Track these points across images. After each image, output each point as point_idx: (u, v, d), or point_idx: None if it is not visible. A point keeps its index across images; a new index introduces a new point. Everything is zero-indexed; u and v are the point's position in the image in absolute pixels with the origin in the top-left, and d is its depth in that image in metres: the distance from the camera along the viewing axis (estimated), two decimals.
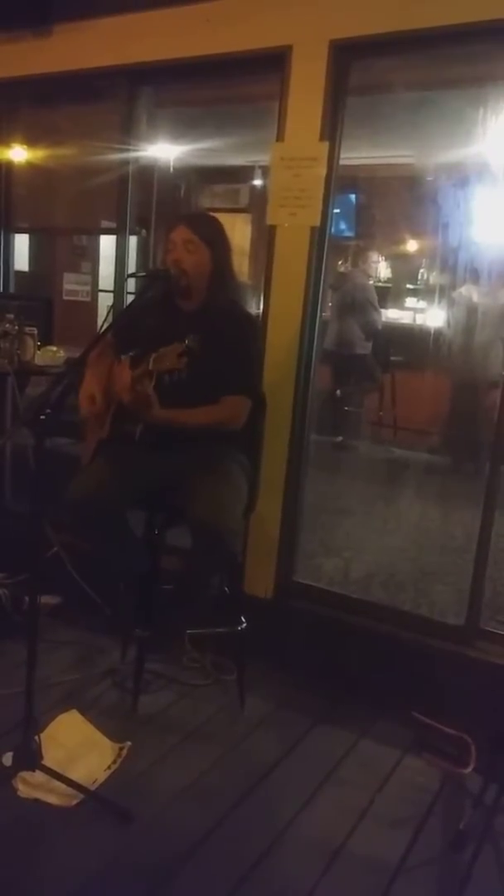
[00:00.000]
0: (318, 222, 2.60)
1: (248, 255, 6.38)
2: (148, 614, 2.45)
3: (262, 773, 2.19)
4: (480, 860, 1.88)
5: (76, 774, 2.04)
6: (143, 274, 2.67)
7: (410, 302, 6.93)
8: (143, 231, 3.56)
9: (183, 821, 1.97)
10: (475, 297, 5.34)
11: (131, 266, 3.30)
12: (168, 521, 2.42)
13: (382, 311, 6.14)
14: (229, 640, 2.56)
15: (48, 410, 1.80)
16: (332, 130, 2.57)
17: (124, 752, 2.22)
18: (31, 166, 3.73)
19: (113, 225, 3.27)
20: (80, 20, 3.02)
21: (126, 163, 3.12)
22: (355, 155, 4.77)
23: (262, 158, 5.30)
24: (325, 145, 2.55)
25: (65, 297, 5.93)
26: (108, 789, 2.05)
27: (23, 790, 2.01)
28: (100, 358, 2.38)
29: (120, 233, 3.21)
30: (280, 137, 2.63)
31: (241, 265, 6.08)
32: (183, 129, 4.59)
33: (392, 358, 5.94)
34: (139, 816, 1.95)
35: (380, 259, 6.69)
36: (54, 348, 3.31)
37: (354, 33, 2.46)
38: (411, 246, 6.87)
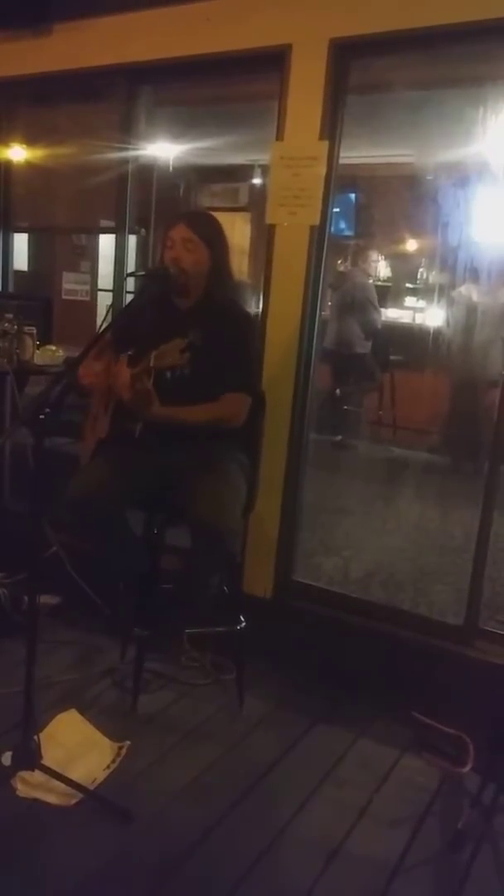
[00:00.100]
0: (317, 221, 2.60)
1: (248, 254, 6.39)
2: (147, 614, 2.45)
3: (262, 772, 2.20)
4: (479, 859, 1.89)
5: (75, 774, 2.04)
6: (143, 273, 2.67)
7: (410, 301, 6.93)
8: (143, 230, 3.56)
9: (182, 820, 1.97)
10: (475, 297, 5.34)
11: (130, 265, 3.30)
12: (167, 520, 2.42)
13: (382, 310, 6.14)
14: (228, 640, 2.56)
15: (47, 410, 1.80)
16: (331, 129, 2.57)
17: (123, 751, 2.22)
18: (30, 165, 3.72)
19: (112, 224, 3.27)
20: (79, 19, 3.02)
21: (125, 162, 3.11)
22: (355, 154, 4.77)
23: (262, 157, 5.31)
24: (325, 144, 2.55)
25: (64, 297, 5.95)
26: (107, 789, 2.05)
27: (22, 790, 2.01)
28: (97, 359, 2.38)
29: (119, 232, 3.20)
30: (280, 136, 2.63)
31: (241, 264, 6.10)
32: (182, 127, 4.59)
33: (391, 357, 5.94)
34: (138, 816, 1.95)
35: (379, 258, 6.69)
36: (53, 348, 3.31)
37: (354, 32, 2.46)
38: (411, 245, 6.87)
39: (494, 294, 5.25)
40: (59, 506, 2.21)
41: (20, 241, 4.09)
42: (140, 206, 3.37)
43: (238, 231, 6.53)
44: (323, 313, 2.81)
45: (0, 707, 2.27)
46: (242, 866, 1.83)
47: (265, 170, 3.58)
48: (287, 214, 2.64)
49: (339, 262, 6.35)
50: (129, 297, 3.05)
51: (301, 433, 2.75)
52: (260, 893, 1.77)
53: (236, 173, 6.95)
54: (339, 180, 2.70)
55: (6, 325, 3.11)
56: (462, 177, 5.19)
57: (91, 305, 6.58)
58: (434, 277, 6.54)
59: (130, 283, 3.03)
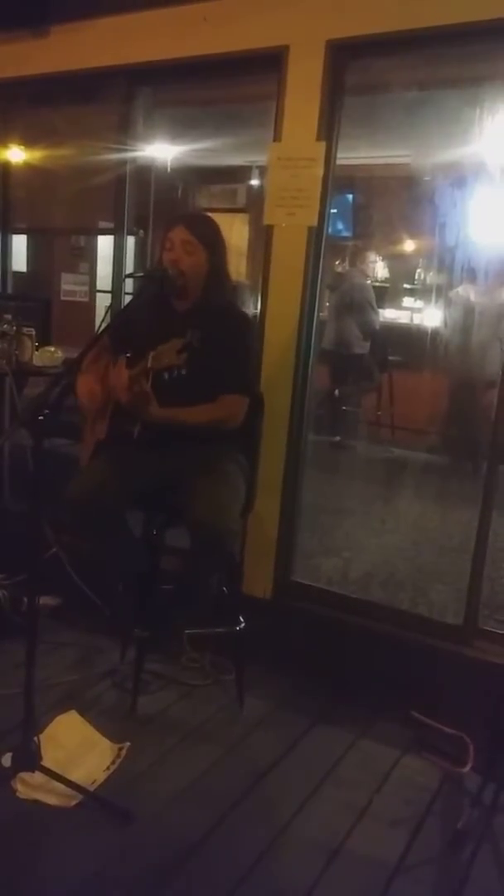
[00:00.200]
0: (315, 222, 2.60)
1: (246, 255, 6.39)
2: (147, 615, 2.45)
3: (262, 772, 2.20)
4: (479, 859, 1.89)
5: (75, 775, 2.05)
6: (141, 274, 2.67)
7: (408, 302, 6.93)
8: (141, 231, 3.56)
9: (182, 821, 1.98)
10: (472, 297, 5.34)
11: (129, 266, 3.30)
12: (167, 521, 2.43)
13: (380, 311, 6.14)
14: (228, 641, 2.56)
15: (46, 411, 1.80)
16: (329, 130, 2.57)
17: (123, 752, 2.22)
18: (28, 167, 3.72)
19: (111, 225, 3.27)
20: (78, 20, 3.02)
21: (124, 163, 3.12)
22: (352, 155, 4.77)
23: (260, 158, 5.30)
24: (323, 145, 2.55)
25: (63, 298, 5.95)
26: (107, 790, 2.05)
27: (22, 791, 2.01)
28: (95, 362, 2.38)
29: (118, 233, 3.21)
30: (277, 137, 2.63)
31: (239, 265, 6.10)
32: (180, 129, 4.59)
33: (390, 358, 5.95)
34: (138, 817, 1.95)
35: (377, 259, 6.69)
36: (52, 349, 3.31)
37: (351, 33, 2.47)
38: (409, 246, 6.87)
39: (492, 294, 5.25)
40: (59, 507, 2.21)
41: (19, 243, 4.09)
42: (138, 208, 3.37)
43: (236, 232, 6.53)
44: (321, 314, 2.81)
45: (0, 708, 2.27)
46: (243, 867, 1.83)
47: (263, 171, 3.58)
48: (285, 215, 2.64)
49: (337, 262, 6.35)
50: (127, 299, 3.06)
51: (300, 434, 2.76)
52: (260, 894, 1.77)
53: (234, 174, 6.95)
54: (337, 181, 2.70)
55: (5, 326, 3.12)
56: (459, 177, 5.20)
57: (90, 306, 6.58)
58: (432, 278, 6.54)
59: (129, 285, 3.03)
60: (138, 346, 2.22)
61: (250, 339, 2.50)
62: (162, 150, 5.01)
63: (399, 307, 6.90)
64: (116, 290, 3.20)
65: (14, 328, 3.13)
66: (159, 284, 2.31)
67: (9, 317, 3.15)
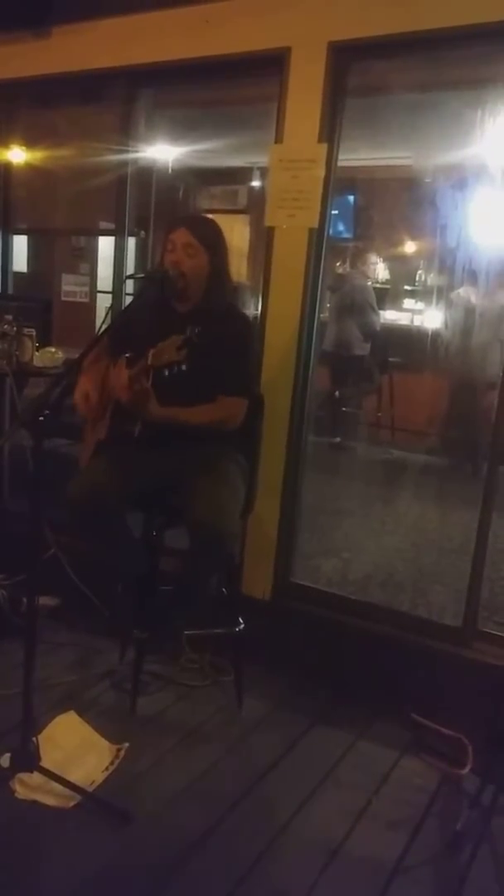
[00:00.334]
0: (316, 224, 2.60)
1: (247, 256, 6.40)
2: (146, 615, 2.45)
3: (261, 773, 2.20)
4: (477, 860, 1.89)
5: (74, 776, 2.05)
6: (142, 275, 2.67)
7: (409, 303, 6.93)
8: (142, 232, 3.56)
9: (181, 821, 1.98)
10: (473, 299, 5.35)
11: (130, 267, 3.30)
12: (166, 521, 2.43)
13: (381, 312, 6.14)
14: (227, 642, 2.56)
15: (47, 411, 1.80)
16: (330, 132, 2.57)
17: (122, 753, 2.22)
18: (30, 167, 3.73)
19: (112, 226, 3.27)
20: (79, 21, 3.02)
21: (125, 164, 3.12)
22: (354, 156, 4.77)
23: (261, 160, 5.32)
24: (324, 147, 2.55)
25: (63, 298, 5.94)
26: (106, 790, 2.05)
27: (21, 792, 2.01)
28: (94, 362, 2.38)
29: (118, 234, 3.21)
30: (279, 139, 2.64)
31: (240, 266, 6.10)
32: (182, 130, 4.60)
33: (390, 359, 5.95)
34: (137, 817, 1.95)
35: (378, 260, 6.70)
36: (53, 349, 3.31)
37: (353, 35, 2.47)
38: (409, 247, 6.88)
39: (492, 296, 5.26)
40: (59, 507, 2.21)
41: (20, 243, 4.09)
42: (139, 209, 3.37)
43: (237, 233, 6.54)
44: (322, 315, 2.81)
45: None
46: (242, 867, 1.83)
47: (264, 172, 3.58)
48: (286, 217, 2.64)
49: (338, 264, 6.36)
50: (128, 300, 3.06)
51: (300, 435, 2.76)
52: (259, 894, 1.77)
53: (235, 176, 6.96)
54: (338, 183, 2.70)
55: (6, 326, 3.12)
56: (460, 179, 5.21)
57: (90, 307, 6.58)
58: (432, 280, 6.54)
59: (130, 286, 3.03)
60: (139, 348, 2.22)
61: (250, 340, 2.51)
62: (163, 152, 5.02)
63: (400, 309, 6.90)
64: (117, 291, 3.20)
65: (15, 329, 3.14)
66: (160, 286, 2.31)
67: (9, 317, 3.15)
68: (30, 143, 3.66)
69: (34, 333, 3.22)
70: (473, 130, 3.62)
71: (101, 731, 2.29)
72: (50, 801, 1.99)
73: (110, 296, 3.28)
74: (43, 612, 2.83)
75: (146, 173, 3.61)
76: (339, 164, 2.65)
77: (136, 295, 2.52)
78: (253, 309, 3.27)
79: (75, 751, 2.19)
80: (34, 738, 1.99)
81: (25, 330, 3.18)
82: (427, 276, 6.80)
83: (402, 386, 5.88)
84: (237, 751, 2.31)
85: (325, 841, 1.93)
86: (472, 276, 5.38)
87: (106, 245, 5.06)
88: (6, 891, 1.73)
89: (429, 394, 5.60)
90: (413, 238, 6.79)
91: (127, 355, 2.28)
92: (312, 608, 2.77)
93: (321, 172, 2.56)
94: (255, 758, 2.27)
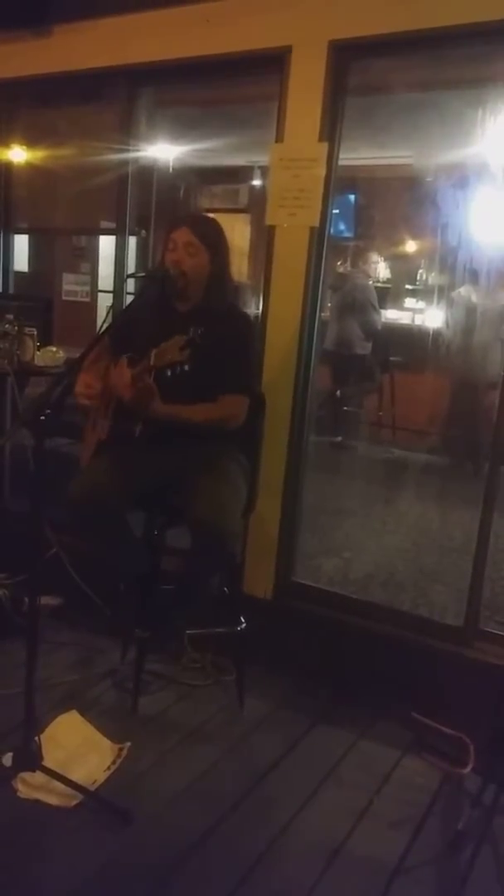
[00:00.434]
0: (317, 223, 2.60)
1: (248, 255, 6.40)
2: (148, 615, 2.45)
3: (262, 773, 2.20)
4: (479, 860, 1.89)
5: (76, 775, 2.05)
6: (143, 274, 2.67)
7: (410, 302, 6.93)
8: (143, 231, 3.56)
9: (182, 821, 1.98)
10: (474, 298, 5.35)
11: (131, 266, 3.30)
12: (168, 521, 2.43)
13: (382, 311, 6.14)
14: (229, 641, 2.56)
15: (48, 411, 1.81)
16: (331, 131, 2.57)
17: (124, 752, 2.22)
18: (30, 167, 3.73)
19: (112, 225, 3.27)
20: (79, 21, 3.02)
21: (125, 163, 3.12)
22: (354, 155, 4.77)
23: (262, 159, 5.31)
24: (325, 146, 2.55)
25: (64, 298, 5.94)
26: (107, 790, 2.05)
27: (23, 791, 2.01)
28: (95, 362, 2.38)
29: (119, 233, 3.21)
30: (279, 138, 2.64)
31: (241, 265, 6.10)
32: (182, 129, 4.60)
33: (391, 358, 5.95)
34: (139, 817, 1.95)
35: (379, 259, 6.70)
36: (54, 349, 3.31)
37: (353, 34, 2.46)
38: (410, 246, 6.88)
39: (494, 295, 5.26)
40: (60, 507, 2.21)
41: (20, 243, 4.09)
42: (140, 208, 3.37)
43: (238, 232, 6.54)
44: (323, 314, 2.81)
45: (1, 708, 2.27)
46: (243, 867, 1.83)
47: (265, 171, 3.58)
48: (287, 216, 2.64)
49: (339, 263, 6.36)
50: (129, 299, 3.06)
51: (301, 434, 2.76)
52: (260, 894, 1.77)
53: (236, 175, 6.95)
54: (339, 182, 2.70)
55: (7, 326, 3.12)
56: (461, 178, 5.20)
57: (91, 306, 6.57)
58: (433, 279, 6.54)
59: (131, 285, 3.03)
60: (140, 347, 2.22)
61: (252, 339, 2.50)
62: (164, 151, 5.02)
63: (401, 308, 6.90)
64: (118, 291, 3.20)
65: (16, 328, 3.13)
66: (161, 285, 2.31)
67: (10, 317, 3.15)
68: (30, 142, 3.65)
69: (35, 333, 3.22)
70: (474, 129, 3.63)
71: (102, 731, 2.29)
72: (52, 800, 1.99)
73: (111, 295, 3.28)
74: (44, 612, 2.84)
75: (147, 172, 3.61)
76: (340, 163, 2.65)
77: (137, 294, 2.52)
78: (254, 308, 3.27)
79: (77, 750, 2.20)
80: (36, 738, 1.99)
81: (26, 329, 3.18)
82: (428, 276, 6.80)
83: (404, 385, 5.88)
84: (238, 750, 2.31)
85: (327, 841, 1.93)
86: (473, 275, 5.38)
87: (107, 244, 5.05)
88: (7, 890, 1.74)
89: (430, 393, 5.59)
90: (414, 237, 6.78)
91: (128, 355, 2.28)
92: (314, 608, 2.77)
93: (322, 171, 2.56)
94: (256, 757, 2.27)
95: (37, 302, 3.64)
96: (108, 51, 2.96)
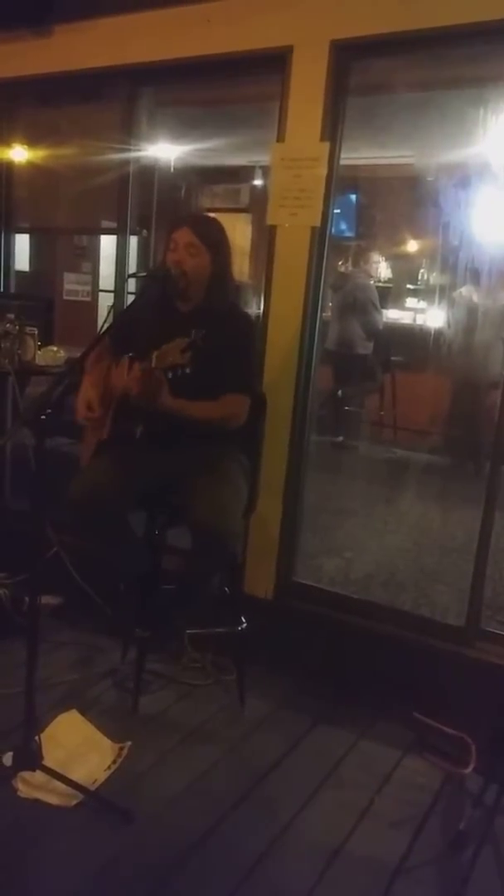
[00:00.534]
0: (318, 222, 2.60)
1: (249, 254, 6.39)
2: (148, 615, 2.45)
3: (263, 773, 2.20)
4: (480, 860, 1.88)
5: (76, 774, 2.04)
6: (144, 274, 2.67)
7: (411, 302, 6.93)
8: (144, 231, 3.56)
9: (183, 820, 1.97)
10: (475, 298, 5.35)
11: (132, 266, 3.30)
12: (168, 521, 2.43)
13: (383, 311, 6.14)
14: (229, 641, 2.56)
15: (49, 410, 1.80)
16: (332, 131, 2.57)
17: (124, 752, 2.22)
18: (31, 166, 3.73)
19: (113, 225, 3.27)
20: (80, 20, 3.02)
21: (127, 163, 3.12)
22: (356, 155, 4.78)
23: (263, 158, 5.31)
24: (326, 145, 2.55)
25: (65, 297, 5.95)
26: (108, 789, 2.05)
27: (23, 790, 2.01)
28: (97, 362, 2.38)
29: (120, 233, 3.21)
30: (280, 138, 2.63)
31: (242, 265, 6.10)
32: (183, 129, 4.60)
33: (392, 358, 5.95)
34: (139, 816, 1.95)
35: (380, 259, 6.69)
36: (55, 348, 3.31)
37: (355, 34, 2.46)
38: (412, 246, 6.87)
39: (495, 295, 5.25)
40: (61, 506, 2.21)
41: (21, 242, 4.09)
42: (141, 207, 3.37)
43: (239, 232, 6.54)
44: (324, 314, 2.80)
45: (1, 707, 2.27)
46: (243, 867, 1.83)
47: (266, 171, 3.58)
48: (288, 215, 2.64)
49: (340, 263, 6.35)
50: (130, 298, 3.06)
51: (302, 434, 2.76)
52: (261, 894, 1.77)
53: (237, 174, 6.96)
54: (340, 181, 2.70)
55: (8, 325, 3.12)
56: (463, 178, 5.20)
57: (92, 306, 6.59)
58: (435, 278, 6.54)
59: (132, 284, 3.03)
60: (141, 347, 2.22)
61: (253, 339, 2.50)
62: (165, 150, 5.02)
63: (402, 308, 6.90)
64: (119, 290, 3.20)
65: (17, 327, 3.13)
66: (162, 285, 2.31)
67: (11, 316, 3.15)
68: (31, 141, 3.66)
69: (36, 332, 3.22)
70: (475, 129, 3.62)
71: (103, 730, 2.29)
72: (52, 799, 1.99)
73: (112, 295, 3.28)
74: (45, 611, 2.83)
75: (148, 172, 3.61)
76: (342, 162, 2.65)
77: (139, 294, 2.52)
78: (255, 308, 3.27)
79: (77, 749, 2.20)
80: (36, 737, 1.99)
81: (27, 329, 3.18)
82: (429, 275, 6.80)
83: (405, 385, 5.87)
84: (239, 750, 2.31)
85: (328, 840, 1.93)
86: (474, 275, 5.38)
87: (108, 244, 5.06)
88: (7, 889, 1.73)
89: (431, 393, 5.59)
90: (415, 237, 6.78)
91: (129, 355, 2.28)
92: (315, 607, 2.77)
93: (323, 171, 2.56)
94: (256, 757, 2.27)
95: (38, 301, 3.64)
96: (108, 50, 2.96)
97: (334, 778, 2.20)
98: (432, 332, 5.72)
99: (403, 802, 2.11)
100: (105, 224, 4.02)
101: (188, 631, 2.64)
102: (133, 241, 3.29)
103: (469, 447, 5.10)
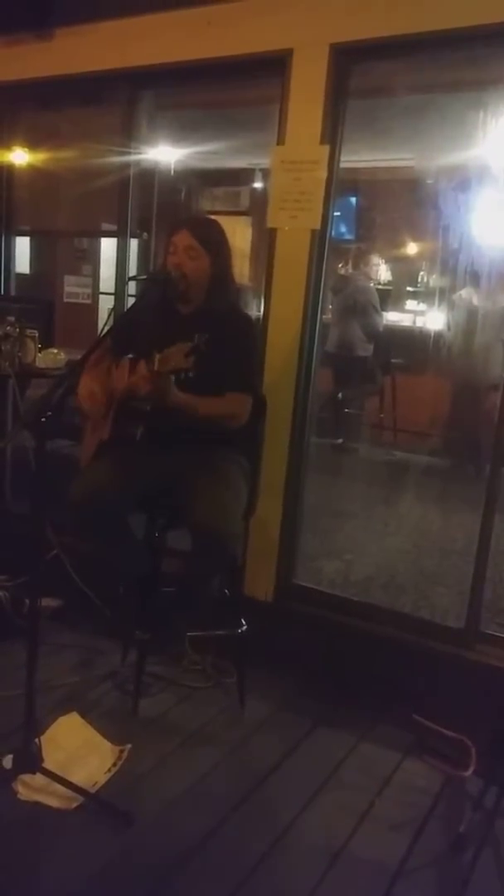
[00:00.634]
0: (318, 225, 2.60)
1: (249, 257, 6.39)
2: (148, 617, 2.45)
3: (263, 775, 2.19)
4: (480, 863, 1.88)
5: (76, 777, 2.04)
6: (144, 277, 2.67)
7: (411, 305, 6.94)
8: (144, 234, 3.57)
9: (183, 823, 1.97)
10: (475, 300, 5.35)
11: (132, 269, 3.30)
12: (169, 523, 2.43)
13: (383, 313, 6.14)
14: (230, 643, 2.56)
15: (49, 413, 1.81)
16: (332, 134, 2.57)
17: (124, 754, 2.22)
18: (32, 169, 3.73)
19: (114, 228, 3.28)
20: (81, 23, 3.03)
21: (127, 166, 3.12)
22: (356, 158, 4.79)
23: (263, 161, 5.32)
24: (326, 148, 2.56)
25: (66, 300, 5.94)
26: (108, 792, 2.05)
27: (23, 793, 2.01)
28: (96, 365, 2.38)
29: (121, 235, 3.21)
30: (281, 141, 2.64)
31: (242, 268, 6.10)
32: (184, 132, 4.61)
33: (392, 360, 5.95)
34: (139, 819, 1.95)
35: (380, 262, 6.70)
36: (55, 350, 3.32)
37: (355, 37, 2.47)
38: (411, 249, 6.88)
39: (495, 297, 5.26)
40: (61, 509, 2.21)
41: (22, 245, 4.09)
42: (141, 210, 3.38)
43: (239, 235, 6.54)
44: (324, 317, 2.81)
45: (1, 710, 2.27)
46: (244, 869, 1.82)
47: (266, 174, 3.59)
48: (288, 218, 2.64)
49: (340, 265, 6.36)
50: (130, 301, 3.06)
51: (302, 436, 2.76)
52: None
53: (237, 177, 6.96)
54: (340, 184, 2.70)
55: (8, 328, 3.12)
56: (463, 180, 5.21)
57: (93, 308, 6.58)
58: (435, 281, 6.54)
59: (132, 287, 3.03)
60: (142, 349, 2.22)
61: (254, 340, 2.51)
62: (165, 153, 5.03)
63: (402, 310, 6.90)
64: (119, 293, 3.21)
65: (17, 330, 3.14)
66: (162, 287, 2.31)
67: (12, 318, 3.15)
68: (32, 144, 3.66)
69: (37, 335, 3.22)
70: (475, 132, 3.63)
71: (103, 733, 2.29)
72: (52, 802, 1.99)
73: (112, 297, 3.28)
74: (45, 614, 2.84)
75: (148, 175, 3.62)
76: (341, 165, 2.65)
77: (139, 296, 2.52)
78: (255, 310, 3.27)
79: (77, 752, 2.19)
80: (36, 740, 1.99)
81: (28, 331, 3.18)
82: (429, 278, 6.80)
83: (405, 387, 5.88)
84: (239, 752, 2.31)
85: (328, 843, 1.93)
86: (474, 278, 5.38)
87: (108, 247, 5.06)
88: (8, 891, 1.73)
89: (431, 395, 5.59)
90: (415, 239, 6.79)
91: (130, 357, 2.28)
92: (315, 610, 2.77)
93: (323, 174, 2.57)
94: (257, 759, 2.27)
95: (38, 304, 3.64)
96: (109, 54, 2.96)
97: (334, 780, 2.20)
98: (432, 335, 5.72)
99: (403, 805, 2.11)
100: (105, 227, 4.02)
101: (188, 633, 2.64)
102: (133, 243, 3.30)
103: (469, 449, 5.10)
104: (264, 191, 5.96)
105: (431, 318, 6.31)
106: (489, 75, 2.79)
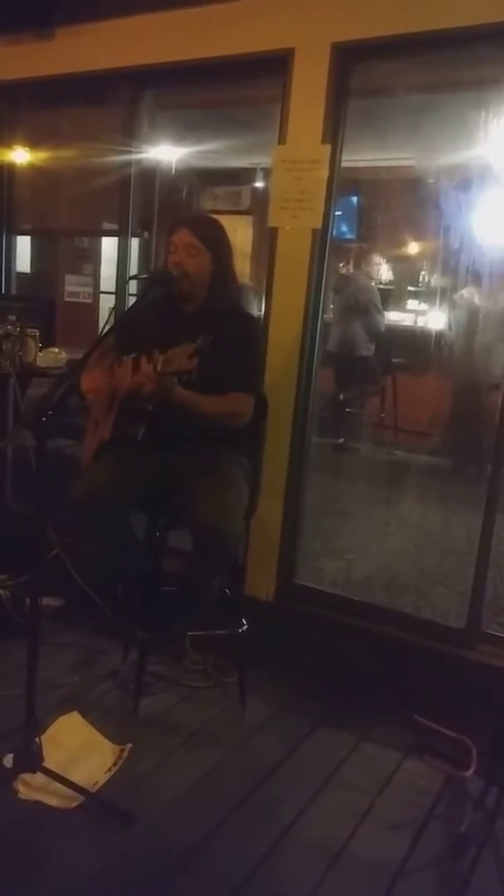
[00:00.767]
0: (319, 224, 2.60)
1: (250, 257, 6.39)
2: (149, 616, 2.45)
3: (264, 775, 2.19)
4: (481, 863, 1.88)
5: (77, 776, 2.04)
6: (145, 276, 2.67)
7: (412, 304, 6.93)
8: (145, 233, 3.57)
9: (184, 823, 1.97)
10: (476, 300, 5.34)
11: (133, 268, 3.30)
12: (170, 523, 2.43)
13: (385, 313, 6.14)
14: (230, 643, 2.56)
15: (50, 412, 1.81)
16: (333, 133, 2.57)
17: (125, 754, 2.22)
18: (33, 168, 3.73)
19: (115, 227, 3.28)
20: (82, 23, 3.03)
21: (128, 165, 3.13)
22: (357, 157, 4.78)
23: (264, 161, 5.32)
24: (327, 148, 2.55)
25: (66, 299, 5.95)
26: (109, 791, 2.05)
27: (24, 792, 2.01)
28: (98, 363, 2.38)
29: (122, 235, 3.21)
30: (282, 140, 2.64)
31: (243, 267, 6.10)
32: (185, 131, 4.61)
33: (394, 360, 5.95)
34: (140, 818, 1.95)
35: (382, 261, 6.69)
36: (56, 350, 3.32)
37: (356, 36, 2.47)
38: (413, 248, 6.87)
39: (496, 297, 5.25)
40: (62, 508, 2.21)
41: (23, 244, 4.09)
42: (142, 209, 3.38)
43: (240, 234, 6.54)
44: (326, 316, 2.80)
45: (2, 709, 2.27)
46: (244, 869, 1.82)
47: (267, 173, 3.59)
48: (289, 217, 2.64)
49: (342, 265, 6.36)
50: (131, 300, 3.06)
51: (303, 436, 2.76)
52: None
53: (239, 176, 6.97)
54: (341, 183, 2.70)
55: (9, 327, 3.12)
56: (464, 180, 5.20)
57: (93, 308, 6.58)
58: (436, 280, 6.54)
59: (133, 286, 3.03)
60: (144, 348, 2.22)
61: (257, 339, 2.51)
62: (166, 152, 5.03)
63: (403, 310, 6.89)
64: (120, 292, 3.21)
65: (18, 329, 3.14)
66: (164, 286, 2.31)
67: (13, 318, 3.15)
68: (33, 143, 3.66)
69: (37, 334, 3.22)
70: (476, 131, 3.62)
71: (104, 732, 2.29)
72: (53, 801, 1.99)
73: (113, 296, 3.28)
74: (46, 613, 2.84)
75: (149, 174, 3.62)
76: (343, 165, 2.65)
77: (141, 296, 2.52)
78: (256, 310, 3.27)
79: (78, 751, 2.19)
80: (37, 739, 1.99)
81: (29, 330, 3.18)
82: (430, 277, 6.80)
83: (406, 387, 5.87)
84: (240, 752, 2.31)
85: (328, 843, 1.93)
86: (475, 277, 5.37)
87: (109, 246, 5.06)
88: (8, 891, 1.73)
89: (432, 395, 5.59)
90: (416, 239, 6.78)
91: (132, 356, 2.28)
92: (316, 609, 2.77)
93: (324, 173, 2.56)
94: (257, 759, 2.27)
95: (39, 303, 3.64)
96: (110, 53, 2.96)
97: (335, 780, 2.20)
98: (433, 334, 5.72)
99: (404, 805, 2.11)
100: (106, 226, 4.02)
101: (189, 633, 2.64)
102: (134, 243, 3.30)
103: (470, 449, 5.09)
104: (265, 190, 5.95)
105: (433, 318, 6.30)
106: (490, 74, 2.79)
